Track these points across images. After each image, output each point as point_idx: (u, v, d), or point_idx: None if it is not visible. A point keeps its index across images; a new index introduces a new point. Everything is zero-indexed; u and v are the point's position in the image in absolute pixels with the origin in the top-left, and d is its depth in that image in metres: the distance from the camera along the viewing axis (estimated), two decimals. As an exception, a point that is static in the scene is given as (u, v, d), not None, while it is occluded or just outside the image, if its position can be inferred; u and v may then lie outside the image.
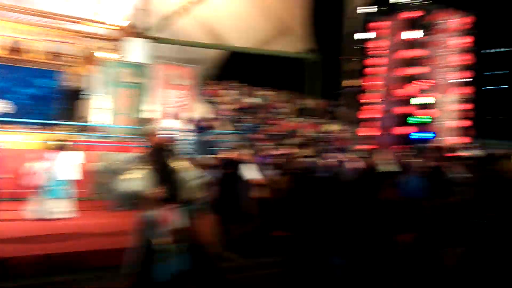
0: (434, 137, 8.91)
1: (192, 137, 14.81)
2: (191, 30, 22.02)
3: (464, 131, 10.29)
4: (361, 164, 7.42)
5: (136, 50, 19.00)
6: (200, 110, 18.92)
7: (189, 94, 18.18)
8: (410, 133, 9.09)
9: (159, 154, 8.88)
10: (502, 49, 68.23)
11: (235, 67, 25.80)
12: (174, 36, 21.96)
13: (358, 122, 15.13)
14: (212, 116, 15.91)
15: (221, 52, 24.96)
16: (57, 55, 18.47)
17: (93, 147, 13.94)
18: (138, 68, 17.67)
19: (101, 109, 17.20)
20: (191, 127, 15.04)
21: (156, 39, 20.05)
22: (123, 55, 19.78)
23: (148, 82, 17.76)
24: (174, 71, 18.05)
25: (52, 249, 5.69)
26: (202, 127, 15.55)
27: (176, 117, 15.73)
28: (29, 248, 5.73)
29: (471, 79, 10.32)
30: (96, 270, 5.39)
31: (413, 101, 9.51)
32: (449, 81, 9.58)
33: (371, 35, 11.00)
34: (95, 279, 5.21)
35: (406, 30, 9.33)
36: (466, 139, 10.19)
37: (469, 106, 10.17)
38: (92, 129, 16.52)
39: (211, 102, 19.96)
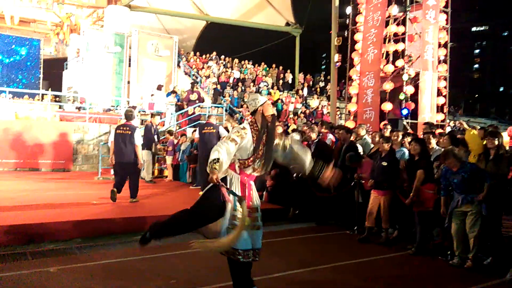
0: (408, 113, 9.17)
1: (174, 109, 14.69)
2: (172, 1, 21.44)
3: (441, 108, 10.62)
4: (342, 138, 7.53)
5: (117, 19, 18.44)
6: (181, 82, 18.67)
7: (168, 65, 17.90)
8: (398, 110, 9.34)
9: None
10: (482, 28, 69.17)
11: (217, 39, 25.38)
12: (155, 6, 21.36)
13: (343, 97, 15.21)
14: (194, 88, 15.73)
15: (203, 23, 24.45)
16: (35, 22, 17.80)
17: (71, 118, 13.70)
18: (118, 37, 17.24)
19: (81, 78, 16.83)
20: (173, 98, 14.88)
21: (137, 8, 19.47)
22: (104, 23, 19.20)
23: (128, 52, 17.38)
24: (152, 41, 17.66)
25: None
26: (182, 99, 15.41)
27: (158, 88, 15.48)
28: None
29: (448, 57, 10.58)
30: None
31: (396, 77, 9.70)
32: (429, 58, 9.77)
33: (356, 9, 11.01)
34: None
35: (389, 6, 9.39)
36: (442, 116, 10.46)
37: (445, 83, 10.44)
38: (72, 99, 16.18)
39: (193, 74, 19.70)
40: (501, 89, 63.20)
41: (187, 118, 14.23)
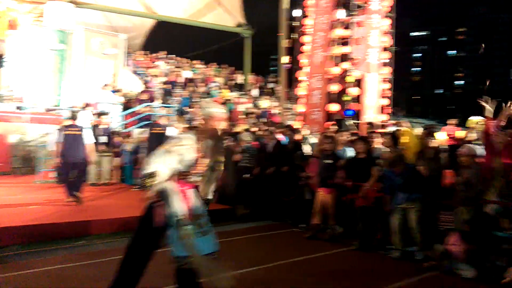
0: (354, 114, 9.58)
1: (121, 109, 14.26)
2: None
3: (384, 109, 11.15)
4: (290, 137, 7.69)
5: (59, 15, 17.59)
6: (128, 81, 18.17)
7: (116, 64, 17.36)
8: (343, 110, 9.68)
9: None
10: (422, 33, 73.12)
11: (166, 38, 24.96)
12: (101, 3, 20.62)
13: (292, 98, 15.48)
14: (143, 88, 15.37)
15: (152, 22, 23.93)
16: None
17: (9, 118, 12.93)
18: (60, 34, 16.46)
19: (20, 77, 15.90)
20: (120, 98, 14.45)
21: (81, 4, 18.70)
22: (45, 19, 18.26)
23: (72, 50, 16.65)
24: (100, 39, 17.06)
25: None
26: (132, 99, 15.01)
27: (104, 87, 14.97)
28: None
29: (391, 60, 11.14)
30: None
31: (342, 79, 10.05)
32: (373, 61, 10.23)
33: (304, 12, 11.30)
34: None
35: (335, 9, 9.72)
36: (386, 117, 11.00)
37: (388, 85, 11.00)
38: (10, 98, 15.26)
39: (140, 74, 19.25)
40: (439, 91, 67.20)
41: (135, 118, 13.87)
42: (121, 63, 17.51)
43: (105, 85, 15.06)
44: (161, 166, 2.96)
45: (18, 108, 14.23)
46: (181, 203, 3.11)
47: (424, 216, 5.10)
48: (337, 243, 5.91)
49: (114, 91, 14.78)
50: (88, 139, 7.36)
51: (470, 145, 5.51)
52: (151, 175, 2.91)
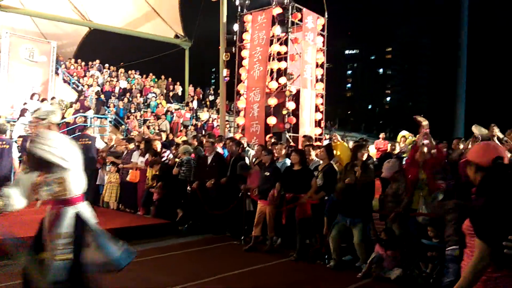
0: (290, 127, 9.88)
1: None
2: (50, 3, 19.78)
3: (320, 123, 11.61)
4: (230, 150, 7.75)
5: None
6: (60, 90, 17.26)
7: (45, 72, 16.42)
8: (282, 123, 9.92)
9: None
10: (353, 51, 77.20)
11: (101, 47, 24.10)
12: (30, 8, 19.48)
13: (232, 111, 15.55)
14: (76, 97, 14.67)
15: (85, 29, 23.00)
16: None
17: None
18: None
19: None
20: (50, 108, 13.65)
21: (8, 9, 17.56)
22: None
23: (0, 55, 15.51)
24: (27, 45, 16.07)
25: None
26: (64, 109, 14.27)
27: (31, 96, 14.07)
28: None
29: (324, 76, 11.66)
30: None
31: (280, 93, 10.29)
32: (310, 77, 10.63)
33: (244, 27, 11.46)
34: None
35: (273, 26, 9.98)
36: (320, 130, 11.45)
37: (322, 100, 11.50)
38: None
39: (73, 83, 18.38)
40: (369, 106, 71.05)
41: (67, 129, 13.19)
42: (51, 71, 16.59)
43: (33, 93, 14.18)
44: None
45: None
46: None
47: (365, 232, 5.31)
48: (276, 254, 6.00)
49: (43, 100, 13.95)
50: (15, 153, 7.19)
51: (393, 159, 5.90)
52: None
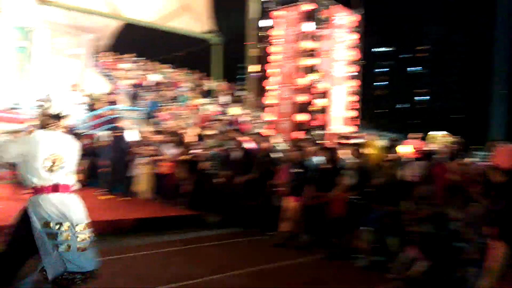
0: (319, 124, 9.82)
1: (85, 111, 13.89)
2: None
3: (351, 121, 11.44)
4: (259, 145, 7.77)
5: (23, 12, 16.96)
6: (94, 82, 17.75)
7: (82, 65, 16.92)
8: (311, 120, 9.88)
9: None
10: (388, 48, 75.78)
11: (134, 40, 24.57)
12: (67, 2, 20.03)
13: (261, 107, 15.61)
14: (109, 90, 15.04)
15: (117, 23, 23.46)
16: None
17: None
18: (23, 31, 15.87)
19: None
20: (83, 99, 14.08)
21: (46, 2, 18.12)
22: (5, 15, 17.57)
23: (35, 48, 16.08)
24: (64, 38, 16.58)
25: None
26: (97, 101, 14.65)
27: (68, 87, 14.53)
28: None
29: (359, 74, 11.48)
30: None
31: (309, 90, 10.29)
32: (340, 74, 10.54)
33: (272, 23, 11.49)
34: None
35: (302, 22, 9.91)
36: (353, 128, 11.32)
37: (356, 98, 11.32)
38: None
39: (107, 75, 18.82)
40: (401, 105, 69.69)
41: (99, 121, 13.54)
42: (86, 63, 17.08)
43: (71, 85, 14.64)
44: None
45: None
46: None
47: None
48: (304, 251, 5.96)
49: (79, 92, 14.39)
50: None
51: (423, 161, 5.74)
52: None
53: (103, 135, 10.69)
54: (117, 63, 20.68)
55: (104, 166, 9.07)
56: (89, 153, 10.63)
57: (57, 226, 2.91)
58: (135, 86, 17.98)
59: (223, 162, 7.78)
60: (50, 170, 3.03)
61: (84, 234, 3.01)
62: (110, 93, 15.32)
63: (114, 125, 9.48)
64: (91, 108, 14.21)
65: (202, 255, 5.68)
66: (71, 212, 3.00)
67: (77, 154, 3.29)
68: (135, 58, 21.47)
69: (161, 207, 8.23)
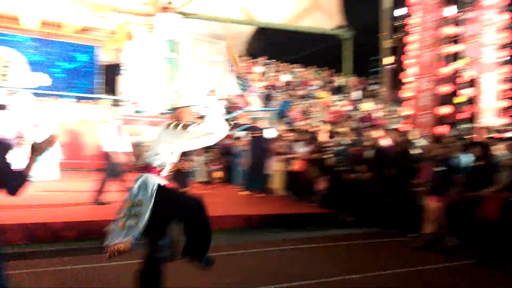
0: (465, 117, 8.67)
1: (225, 114, 14.95)
2: (220, 6, 21.78)
3: (504, 112, 10.01)
4: (394, 142, 7.35)
5: (169, 26, 19.08)
6: (233, 86, 18.99)
7: (222, 70, 18.28)
8: (456, 113, 8.90)
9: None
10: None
11: (266, 44, 25.53)
12: (205, 13, 21.82)
13: (397, 101, 14.80)
14: (244, 93, 15.93)
15: (250, 28, 24.66)
16: (93, 30, 18.81)
17: (129, 121, 14.31)
18: (171, 43, 17.84)
19: (136, 83, 17.57)
20: (224, 104, 15.16)
21: (188, 15, 20.03)
22: (157, 30, 19.98)
23: (181, 58, 17.94)
24: (204, 46, 18.11)
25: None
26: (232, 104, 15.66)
27: (209, 93, 15.86)
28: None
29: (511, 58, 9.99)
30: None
31: (453, 80, 9.27)
32: (489, 60, 9.27)
33: (408, 11, 10.71)
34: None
35: (443, 6, 8.94)
36: (507, 120, 9.90)
37: (509, 86, 9.82)
38: (128, 103, 16.93)
39: (242, 79, 19.94)
40: None
41: (235, 123, 14.43)
42: (225, 69, 18.40)
43: (211, 90, 15.95)
44: None
45: (136, 112, 15.72)
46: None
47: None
48: (451, 255, 5.48)
49: (217, 96, 15.57)
50: None
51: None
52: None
53: (241, 135, 11.36)
54: (251, 67, 21.79)
55: (243, 164, 9.63)
56: (228, 152, 11.45)
57: None
58: (268, 87, 18.71)
59: (355, 159, 7.57)
60: None
61: None
62: (243, 95, 16.20)
63: (251, 125, 9.98)
64: (229, 111, 15.23)
65: (335, 254, 5.62)
66: None
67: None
68: (267, 61, 22.32)
69: (295, 204, 8.38)
